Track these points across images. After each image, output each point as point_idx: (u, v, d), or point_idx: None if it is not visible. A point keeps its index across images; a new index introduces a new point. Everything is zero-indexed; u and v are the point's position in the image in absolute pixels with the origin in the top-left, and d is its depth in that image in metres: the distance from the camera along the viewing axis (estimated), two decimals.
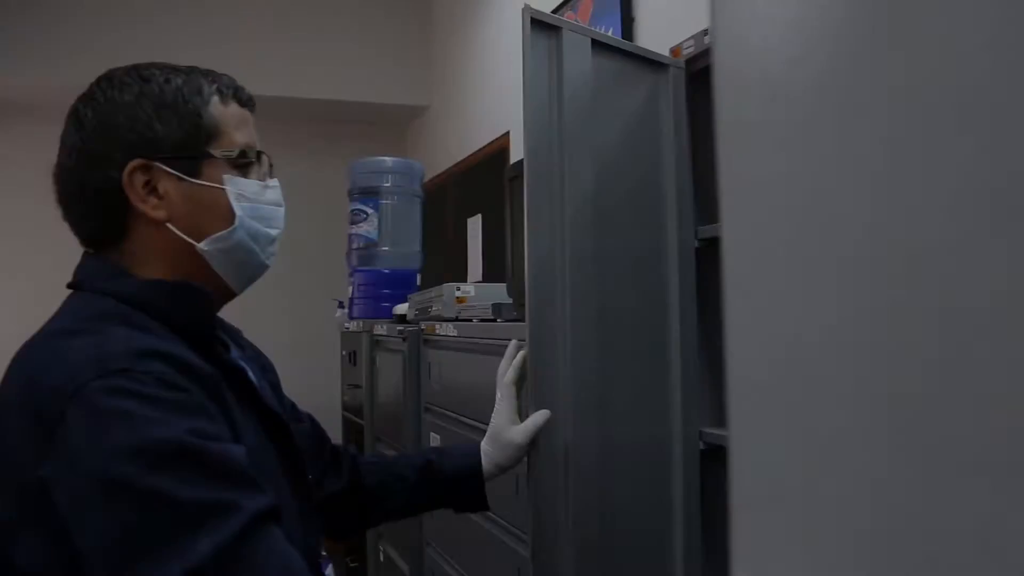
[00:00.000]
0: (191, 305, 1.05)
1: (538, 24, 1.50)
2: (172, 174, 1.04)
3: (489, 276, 4.07)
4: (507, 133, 4.00)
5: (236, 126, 1.10)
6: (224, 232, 1.08)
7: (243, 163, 1.10)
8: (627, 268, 1.65)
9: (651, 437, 1.67)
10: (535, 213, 1.45)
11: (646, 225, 1.70)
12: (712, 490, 1.75)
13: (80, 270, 1.07)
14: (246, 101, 1.12)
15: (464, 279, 4.25)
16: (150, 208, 1.04)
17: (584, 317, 1.52)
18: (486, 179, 4.28)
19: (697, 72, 1.77)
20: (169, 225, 1.05)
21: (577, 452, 1.48)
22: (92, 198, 1.04)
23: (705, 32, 1.67)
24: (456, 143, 4.83)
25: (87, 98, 1.05)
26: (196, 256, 1.07)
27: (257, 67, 4.30)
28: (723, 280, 0.55)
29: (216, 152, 1.07)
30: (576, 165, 1.53)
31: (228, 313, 1.21)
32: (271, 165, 1.16)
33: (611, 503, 1.56)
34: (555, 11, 3.46)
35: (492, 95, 4.30)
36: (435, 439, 2.45)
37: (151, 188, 1.04)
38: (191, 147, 1.05)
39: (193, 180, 1.05)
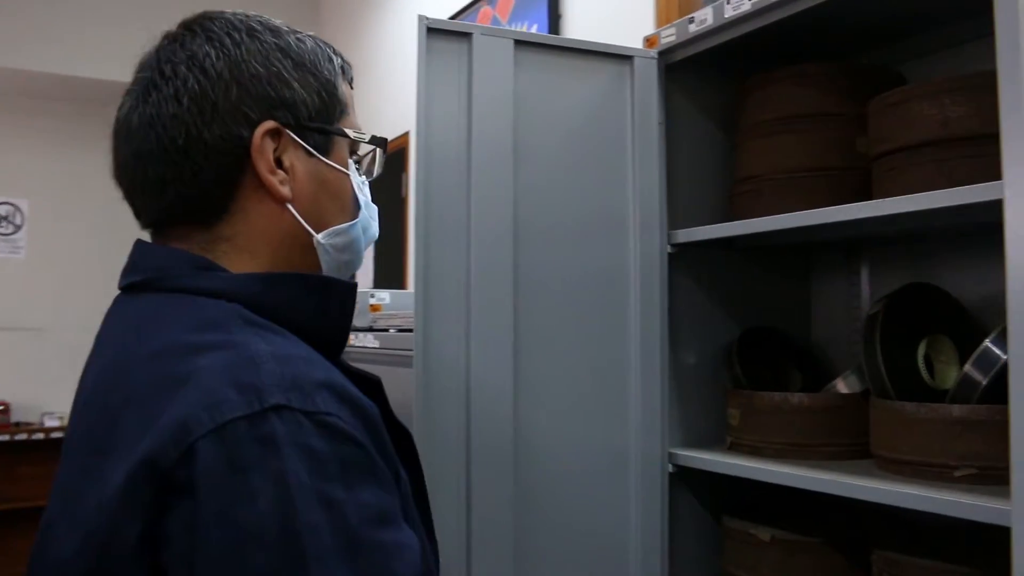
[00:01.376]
0: (339, 308, 0.87)
1: (441, 32, 1.45)
2: (302, 147, 0.86)
3: (382, 282, 3.97)
4: (407, 133, 3.80)
5: (354, 108, 0.95)
6: (345, 225, 0.91)
7: (361, 152, 0.95)
8: (575, 281, 1.54)
9: (599, 459, 1.55)
10: (425, 226, 1.42)
11: (603, 233, 1.58)
12: (686, 517, 1.65)
13: (149, 262, 0.84)
14: (352, 84, 0.96)
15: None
16: (277, 182, 0.84)
17: (499, 333, 1.45)
18: (382, 180, 4.06)
19: (675, 64, 1.63)
20: (291, 207, 0.86)
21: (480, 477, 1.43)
22: (205, 158, 0.82)
23: (691, 20, 1.53)
24: None
25: (206, 38, 0.84)
26: (306, 249, 0.88)
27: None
28: None
29: (351, 132, 0.91)
30: (493, 175, 1.47)
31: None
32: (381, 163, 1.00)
33: (560, 532, 1.49)
34: (466, 9, 3.24)
35: (391, 93, 4.06)
36: None
37: (276, 159, 0.85)
38: (327, 119, 0.89)
39: (323, 159, 0.88)
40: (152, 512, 0.64)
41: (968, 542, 1.28)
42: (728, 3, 1.46)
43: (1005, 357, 1.22)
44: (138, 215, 0.87)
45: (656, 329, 1.60)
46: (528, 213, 1.50)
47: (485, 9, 3.13)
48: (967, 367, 1.25)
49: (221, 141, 0.82)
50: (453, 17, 3.26)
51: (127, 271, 0.85)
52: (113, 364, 0.77)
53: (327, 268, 0.90)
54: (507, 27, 2.75)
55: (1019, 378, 0.78)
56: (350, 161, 0.92)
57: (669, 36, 1.60)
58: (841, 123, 1.49)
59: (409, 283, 3.69)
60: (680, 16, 2.17)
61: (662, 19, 2.21)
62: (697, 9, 2.22)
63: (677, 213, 1.65)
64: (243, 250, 0.84)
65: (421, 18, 1.42)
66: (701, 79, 1.69)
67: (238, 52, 0.83)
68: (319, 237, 0.88)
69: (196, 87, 0.82)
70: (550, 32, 2.71)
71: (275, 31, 0.87)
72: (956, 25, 1.49)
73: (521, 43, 1.51)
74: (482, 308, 1.44)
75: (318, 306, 0.84)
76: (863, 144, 1.47)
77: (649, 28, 2.24)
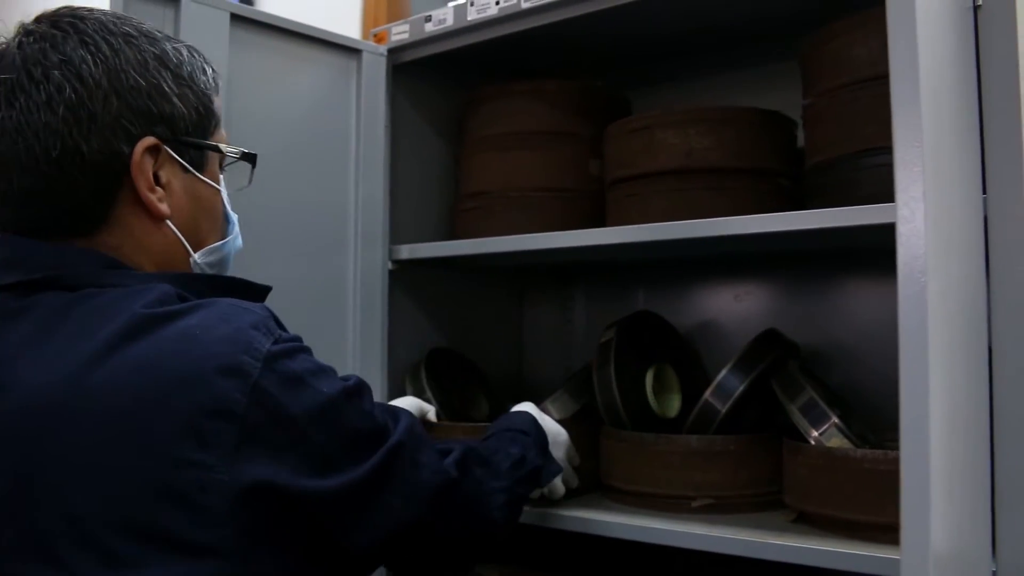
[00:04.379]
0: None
1: None
2: (178, 162, 0.86)
3: None
4: None
5: (222, 121, 0.94)
6: (219, 244, 0.93)
7: (228, 167, 0.96)
8: (289, 298, 1.32)
9: None
10: None
11: (323, 245, 1.40)
12: None
13: (41, 259, 0.80)
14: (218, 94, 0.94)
15: None
16: (156, 199, 0.84)
17: None
18: None
19: (403, 64, 1.49)
20: (170, 224, 0.86)
21: None
22: (81, 173, 0.80)
23: (428, 18, 1.40)
24: None
25: (80, 41, 0.80)
26: (184, 267, 0.88)
27: None
28: None
29: (225, 147, 0.92)
30: None
31: None
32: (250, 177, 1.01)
33: None
34: None
35: None
36: None
37: (154, 175, 0.84)
38: (202, 134, 0.89)
39: (198, 174, 0.89)
40: (235, 455, 0.70)
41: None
42: (472, 5, 1.37)
43: (742, 388, 1.24)
44: None
45: (377, 355, 1.45)
46: (238, 217, 1.28)
47: None
48: (706, 396, 1.25)
49: (99, 155, 0.80)
50: None
51: (4, 267, 0.80)
52: (65, 365, 0.72)
53: None
54: None
55: (910, 421, 0.77)
56: (221, 176, 0.92)
57: (401, 33, 1.46)
58: (576, 143, 1.45)
59: None
60: (388, 15, 2.05)
61: (369, 18, 2.07)
62: (408, 15, 2.11)
63: (398, 227, 1.51)
64: (130, 260, 0.83)
65: None
66: (429, 83, 1.57)
67: (117, 61, 0.81)
68: (196, 257, 0.89)
69: (73, 96, 0.79)
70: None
71: (151, 38, 0.85)
72: (687, 58, 1.53)
73: (238, 18, 1.28)
74: None
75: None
76: (596, 167, 1.44)
77: (355, 27, 2.09)
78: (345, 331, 1.42)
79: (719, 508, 1.20)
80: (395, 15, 2.07)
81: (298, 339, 0.80)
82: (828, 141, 1.18)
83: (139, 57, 0.82)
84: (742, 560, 1.08)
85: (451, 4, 1.40)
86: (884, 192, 0.91)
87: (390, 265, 1.48)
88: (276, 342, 0.75)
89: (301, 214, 1.37)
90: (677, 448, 1.23)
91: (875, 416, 1.29)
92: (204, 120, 0.88)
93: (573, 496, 1.26)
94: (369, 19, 2.07)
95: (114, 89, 0.80)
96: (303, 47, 1.38)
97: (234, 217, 0.95)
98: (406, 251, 1.48)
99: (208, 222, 0.91)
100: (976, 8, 0.98)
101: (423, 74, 1.54)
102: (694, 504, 1.21)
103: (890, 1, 0.85)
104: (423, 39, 1.44)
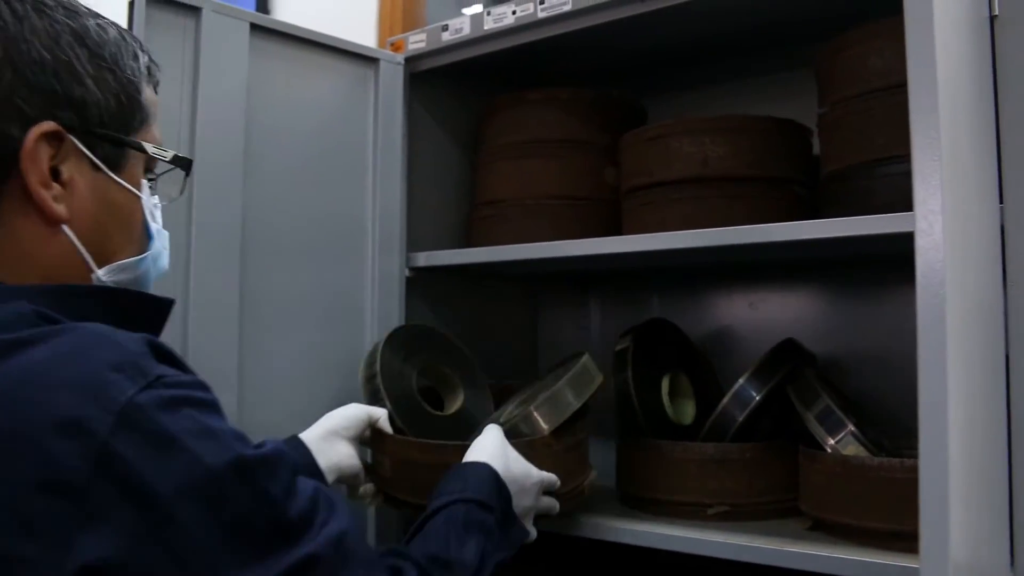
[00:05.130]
0: (151, 321, 0.74)
1: (161, 2, 1.20)
2: (87, 158, 0.72)
3: None
4: None
5: (158, 118, 0.79)
6: (133, 259, 0.76)
7: (158, 170, 0.81)
8: (308, 305, 1.36)
9: None
10: None
11: (341, 253, 1.41)
12: None
13: None
14: (157, 88, 0.80)
15: None
16: (50, 197, 0.69)
17: (221, 364, 1.23)
18: None
19: (420, 73, 1.51)
20: (67, 229, 0.70)
21: None
22: None
23: (444, 27, 1.42)
24: None
25: None
26: (84, 280, 0.73)
27: None
28: None
29: (152, 148, 0.77)
30: (220, 181, 1.24)
31: None
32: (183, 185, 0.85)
33: None
34: None
35: None
36: None
37: (53, 169, 0.70)
38: (123, 128, 0.74)
39: (112, 175, 0.74)
40: (68, 545, 0.54)
41: None
42: (489, 15, 1.38)
43: (758, 397, 1.24)
44: None
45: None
46: (259, 225, 1.29)
47: None
48: (723, 405, 1.26)
49: None
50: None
51: None
52: None
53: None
54: None
55: (929, 431, 0.77)
56: (144, 181, 0.78)
57: (418, 42, 1.47)
58: (592, 152, 1.46)
59: None
60: (404, 23, 2.06)
61: (385, 26, 2.09)
62: (423, 23, 2.13)
63: (415, 234, 1.52)
64: (10, 270, 0.68)
65: None
66: (445, 91, 1.59)
67: (19, 28, 0.67)
68: (99, 273, 0.73)
69: None
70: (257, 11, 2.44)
71: (70, 10, 0.71)
72: (702, 66, 1.54)
73: (258, 28, 1.30)
74: (202, 331, 1.20)
75: (133, 320, 0.69)
76: (611, 175, 1.45)
77: (370, 35, 2.10)
78: (363, 338, 1.43)
79: (735, 515, 1.21)
80: (410, 23, 2.08)
81: (192, 384, 0.63)
82: (843, 149, 1.18)
83: (50, 29, 0.69)
84: (758, 567, 1.08)
85: (467, 12, 1.41)
86: (899, 201, 0.92)
87: (407, 272, 1.49)
88: (147, 387, 0.58)
89: (319, 221, 1.38)
90: (693, 455, 1.23)
91: (891, 423, 1.29)
92: (127, 112, 0.74)
93: (564, 516, 1.19)
94: (384, 27, 2.08)
95: (9, 59, 0.67)
96: (321, 56, 1.39)
97: (156, 231, 0.80)
98: (423, 258, 1.49)
99: (122, 233, 0.75)
100: (993, 18, 0.98)
101: (439, 82, 1.55)
102: (710, 511, 1.21)
103: (908, 12, 0.86)
104: (440, 48, 1.45)
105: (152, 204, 0.80)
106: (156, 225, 0.80)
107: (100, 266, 0.73)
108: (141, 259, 0.77)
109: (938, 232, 0.81)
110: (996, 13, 0.98)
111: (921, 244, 0.83)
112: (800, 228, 1.09)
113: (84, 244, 0.71)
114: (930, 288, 0.81)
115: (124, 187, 0.75)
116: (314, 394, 1.33)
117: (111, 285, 0.74)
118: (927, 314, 0.81)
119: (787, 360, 1.28)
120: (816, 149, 1.30)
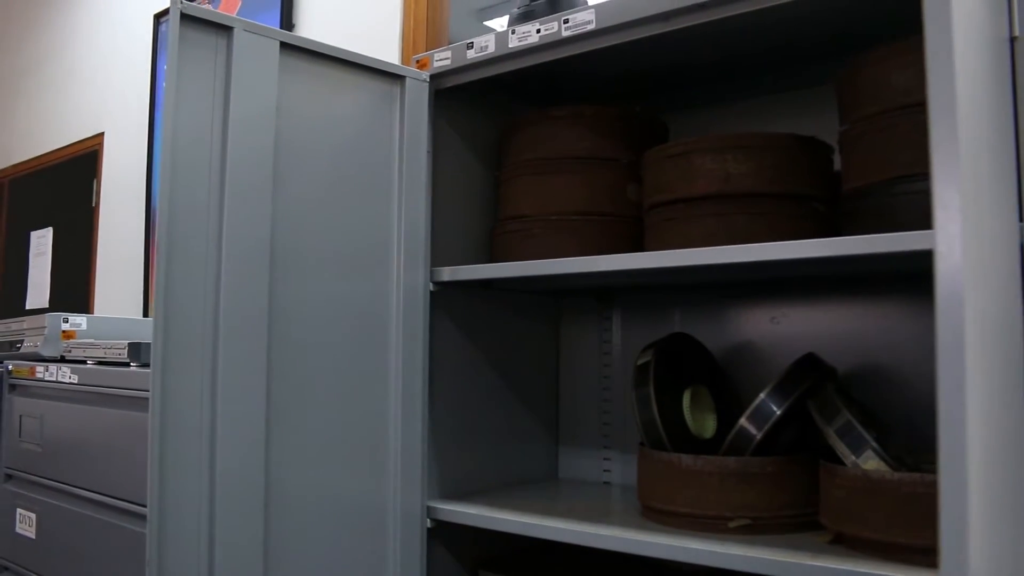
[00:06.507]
0: None
1: (197, 22, 1.24)
2: None
3: (58, 304, 3.52)
4: (101, 135, 3.42)
5: None
6: None
7: None
8: (335, 317, 1.38)
9: (358, 514, 1.39)
10: (167, 251, 1.19)
11: (366, 266, 1.44)
12: (441, 572, 1.52)
13: None
14: None
15: (21, 306, 3.59)
16: None
17: (250, 371, 1.26)
18: (64, 187, 3.59)
19: (444, 90, 1.53)
20: None
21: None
22: None
23: (469, 45, 1.45)
24: (15, 142, 4.04)
25: None
26: None
27: None
28: None
29: None
30: (251, 195, 1.28)
31: None
32: None
33: None
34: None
35: (79, 90, 3.62)
36: (27, 517, 1.93)
37: None
38: None
39: None
40: None
41: None
42: (513, 33, 1.40)
43: (779, 412, 1.26)
44: None
45: (418, 373, 1.48)
46: (287, 239, 1.32)
47: (203, 2, 2.84)
48: (743, 421, 1.27)
49: None
50: (161, 14, 2.93)
51: None
52: None
53: None
54: None
55: (948, 447, 0.79)
56: None
57: (443, 60, 1.50)
58: (615, 168, 1.48)
59: (95, 307, 3.23)
60: (428, 41, 2.10)
61: (408, 43, 2.12)
62: (446, 39, 2.16)
63: (439, 249, 1.55)
64: None
65: (175, 1, 1.20)
66: (469, 108, 1.61)
67: None
68: None
69: None
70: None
71: None
72: (724, 84, 1.55)
73: (288, 46, 1.33)
74: (232, 343, 1.23)
75: None
76: (634, 191, 1.47)
77: (394, 52, 2.13)
78: (388, 351, 1.46)
79: (756, 529, 1.22)
80: (433, 41, 2.11)
81: None
82: (864, 167, 1.20)
83: None
84: None
85: (490, 25, 1.44)
86: (919, 218, 0.93)
87: (431, 287, 1.51)
88: None
89: (345, 236, 1.41)
90: (714, 469, 1.24)
91: (912, 437, 1.30)
92: None
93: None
94: (408, 44, 2.11)
95: None
96: (349, 73, 1.42)
97: None
98: (447, 273, 1.51)
99: None
100: (1013, 39, 1.00)
101: (464, 99, 1.58)
102: (731, 524, 1.22)
103: (929, 36, 0.87)
104: (465, 65, 1.48)
105: None
106: None
107: None
108: None
109: (957, 256, 0.82)
110: (1016, 34, 0.99)
111: (941, 268, 0.84)
112: (821, 245, 1.10)
113: None
114: (950, 310, 0.82)
115: None
116: (339, 406, 1.36)
117: None
118: (947, 335, 0.82)
119: (808, 375, 1.29)
120: (837, 165, 1.31)
